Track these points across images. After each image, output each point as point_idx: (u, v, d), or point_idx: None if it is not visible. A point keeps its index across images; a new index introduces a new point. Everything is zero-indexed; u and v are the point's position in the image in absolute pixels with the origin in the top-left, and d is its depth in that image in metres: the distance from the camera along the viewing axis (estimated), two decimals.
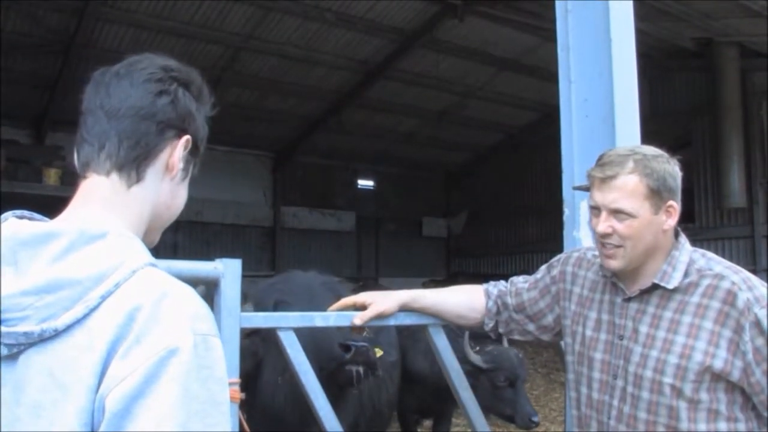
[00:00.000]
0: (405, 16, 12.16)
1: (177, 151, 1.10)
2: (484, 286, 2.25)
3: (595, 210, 1.82)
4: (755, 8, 9.80)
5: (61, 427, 0.87)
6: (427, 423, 5.94)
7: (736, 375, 1.65)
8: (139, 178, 1.07)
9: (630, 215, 1.74)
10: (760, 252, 12.58)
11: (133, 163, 1.07)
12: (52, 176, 11.16)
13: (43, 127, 13.89)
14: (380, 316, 2.10)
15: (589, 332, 1.91)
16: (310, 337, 2.24)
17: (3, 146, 11.27)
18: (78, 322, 0.90)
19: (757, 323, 1.63)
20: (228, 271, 1.83)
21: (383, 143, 17.95)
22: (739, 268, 1.76)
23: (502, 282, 2.26)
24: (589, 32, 2.56)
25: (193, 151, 1.14)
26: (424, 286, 17.40)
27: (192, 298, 0.97)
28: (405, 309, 2.17)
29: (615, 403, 1.81)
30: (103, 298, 0.91)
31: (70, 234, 0.96)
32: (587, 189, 1.90)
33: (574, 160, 2.60)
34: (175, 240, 16.50)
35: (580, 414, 1.93)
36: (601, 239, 1.81)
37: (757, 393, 1.65)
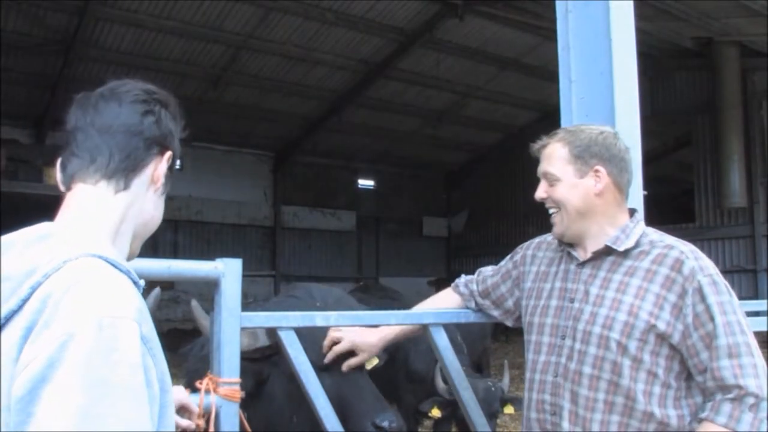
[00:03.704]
0: (405, 15, 12.17)
1: (161, 165, 1.21)
2: (453, 284, 2.37)
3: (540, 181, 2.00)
4: (755, 8, 9.82)
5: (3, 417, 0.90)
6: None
7: (676, 337, 1.76)
8: (125, 187, 1.17)
9: (555, 178, 1.93)
10: (761, 251, 12.60)
11: (122, 173, 1.16)
12: (52, 176, 11.13)
13: (43, 127, 13.91)
14: (366, 357, 2.24)
15: (542, 302, 2.02)
16: (338, 415, 2.13)
17: (3, 146, 11.31)
18: (15, 313, 0.94)
19: (699, 290, 1.74)
20: (228, 270, 1.84)
21: (383, 143, 17.96)
22: (689, 243, 1.88)
23: (470, 275, 2.38)
24: (590, 32, 2.56)
25: (170, 167, 1.24)
26: (430, 284, 17.46)
27: (110, 285, 0.98)
28: (389, 343, 2.28)
29: (562, 360, 1.90)
30: (33, 289, 0.95)
31: (23, 238, 1.04)
32: None
33: None
34: (176, 240, 16.52)
35: (532, 377, 2.01)
36: (545, 207, 1.98)
37: (692, 356, 1.75)
